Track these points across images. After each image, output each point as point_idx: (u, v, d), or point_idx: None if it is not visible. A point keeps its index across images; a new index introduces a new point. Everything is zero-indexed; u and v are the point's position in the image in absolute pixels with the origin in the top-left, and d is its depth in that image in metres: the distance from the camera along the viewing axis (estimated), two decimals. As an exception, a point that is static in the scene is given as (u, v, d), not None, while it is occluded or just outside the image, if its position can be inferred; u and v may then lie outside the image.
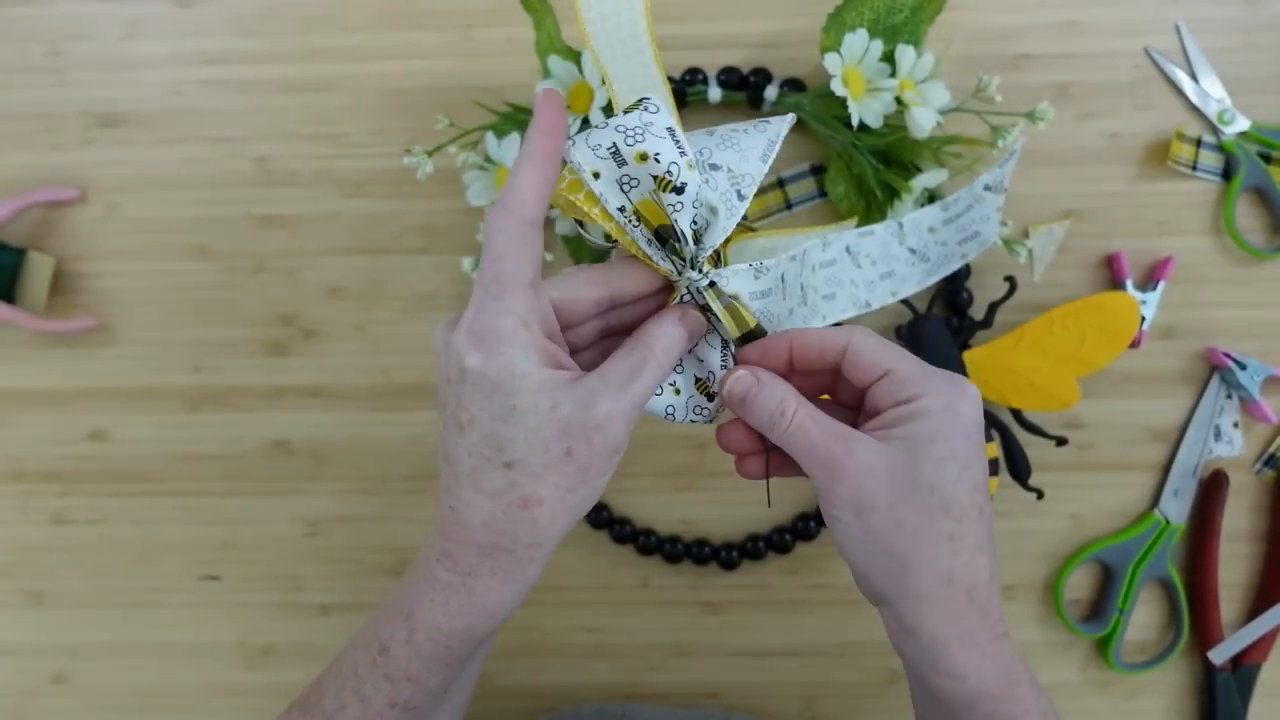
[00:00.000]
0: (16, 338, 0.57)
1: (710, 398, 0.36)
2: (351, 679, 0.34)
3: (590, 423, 0.31)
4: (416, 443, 0.56)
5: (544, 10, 0.50)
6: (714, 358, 0.36)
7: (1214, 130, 0.53)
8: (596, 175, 0.33)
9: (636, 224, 0.34)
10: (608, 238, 0.35)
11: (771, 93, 0.52)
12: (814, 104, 0.51)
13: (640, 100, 0.34)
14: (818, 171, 0.54)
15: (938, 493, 0.31)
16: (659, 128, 0.33)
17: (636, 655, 0.56)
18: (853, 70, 0.49)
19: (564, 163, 0.33)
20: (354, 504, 0.56)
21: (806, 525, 0.54)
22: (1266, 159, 0.52)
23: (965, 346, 0.53)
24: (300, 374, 0.56)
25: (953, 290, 0.53)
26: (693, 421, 0.36)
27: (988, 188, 0.47)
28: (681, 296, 0.35)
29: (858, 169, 0.51)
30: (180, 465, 0.57)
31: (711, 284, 0.35)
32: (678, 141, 0.33)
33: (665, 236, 0.34)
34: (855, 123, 0.48)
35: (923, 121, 0.48)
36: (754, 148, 0.36)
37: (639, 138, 0.32)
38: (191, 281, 0.56)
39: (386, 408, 0.56)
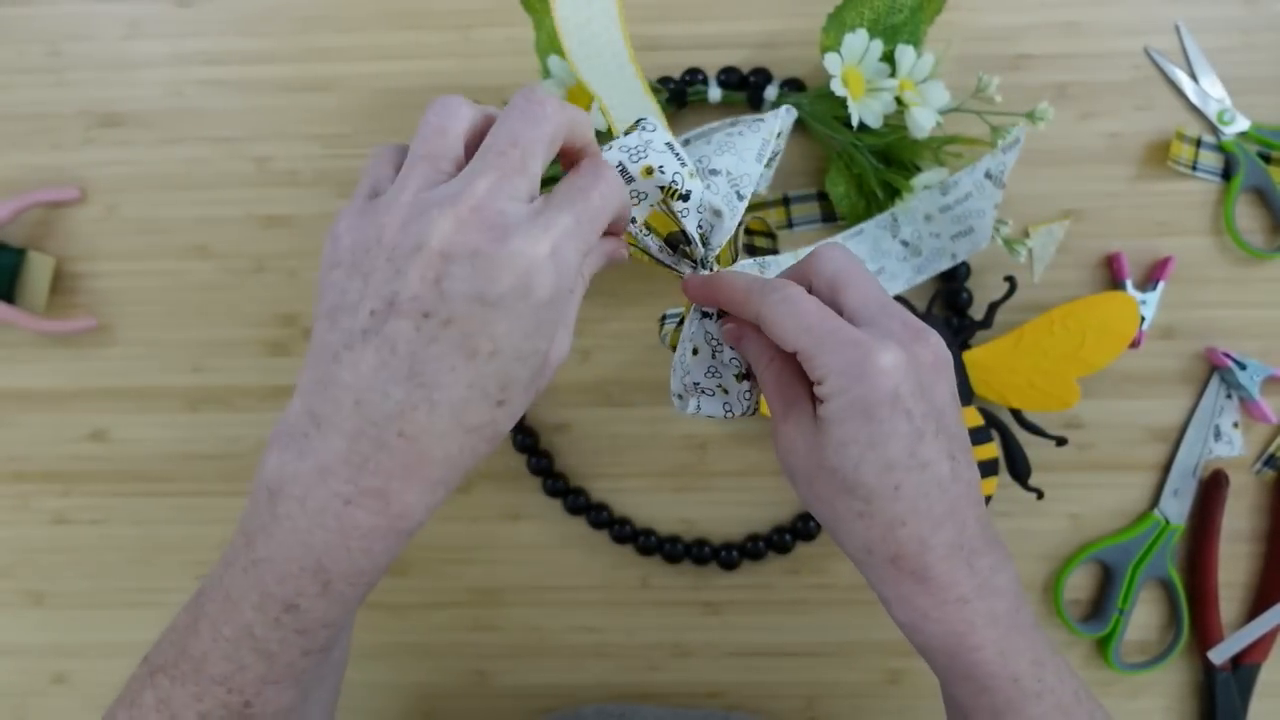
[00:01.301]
0: (16, 338, 0.57)
1: (750, 377, 0.39)
2: (247, 639, 0.31)
3: (556, 359, 0.32)
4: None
5: (544, 10, 0.50)
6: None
7: (1214, 130, 0.53)
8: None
9: (648, 233, 0.36)
10: None
11: (771, 93, 0.52)
12: (814, 104, 0.51)
13: (637, 121, 0.35)
14: (824, 198, 0.54)
15: (839, 475, 0.32)
16: (658, 144, 0.35)
17: (636, 655, 0.56)
18: (853, 70, 0.49)
19: None
20: (354, 504, 0.56)
21: (806, 525, 0.54)
22: (1266, 159, 0.52)
23: (965, 346, 0.53)
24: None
25: (953, 290, 0.53)
26: (745, 413, 0.39)
27: (988, 175, 0.47)
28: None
29: (858, 169, 0.51)
30: (180, 465, 0.57)
31: None
32: (677, 155, 0.35)
33: (675, 243, 0.36)
34: (855, 123, 0.48)
35: (923, 121, 0.48)
36: (749, 149, 0.39)
37: (642, 154, 0.34)
38: (191, 281, 0.56)
39: (386, 408, 0.56)
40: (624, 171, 0.34)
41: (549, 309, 0.29)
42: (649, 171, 0.34)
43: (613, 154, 0.34)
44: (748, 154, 0.38)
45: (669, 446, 0.55)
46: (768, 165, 0.45)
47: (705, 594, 0.56)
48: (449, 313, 0.28)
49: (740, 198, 0.37)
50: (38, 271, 0.55)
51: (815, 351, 0.32)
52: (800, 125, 0.52)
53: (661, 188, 0.35)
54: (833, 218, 0.54)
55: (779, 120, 0.40)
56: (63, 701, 0.58)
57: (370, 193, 0.31)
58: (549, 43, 0.50)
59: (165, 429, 0.57)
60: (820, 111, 0.51)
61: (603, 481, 0.56)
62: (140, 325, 0.56)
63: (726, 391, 0.38)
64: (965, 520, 0.33)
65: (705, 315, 0.38)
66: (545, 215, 0.29)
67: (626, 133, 0.35)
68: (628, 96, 0.41)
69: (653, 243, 0.37)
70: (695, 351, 0.38)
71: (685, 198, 0.35)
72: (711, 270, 0.37)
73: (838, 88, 0.48)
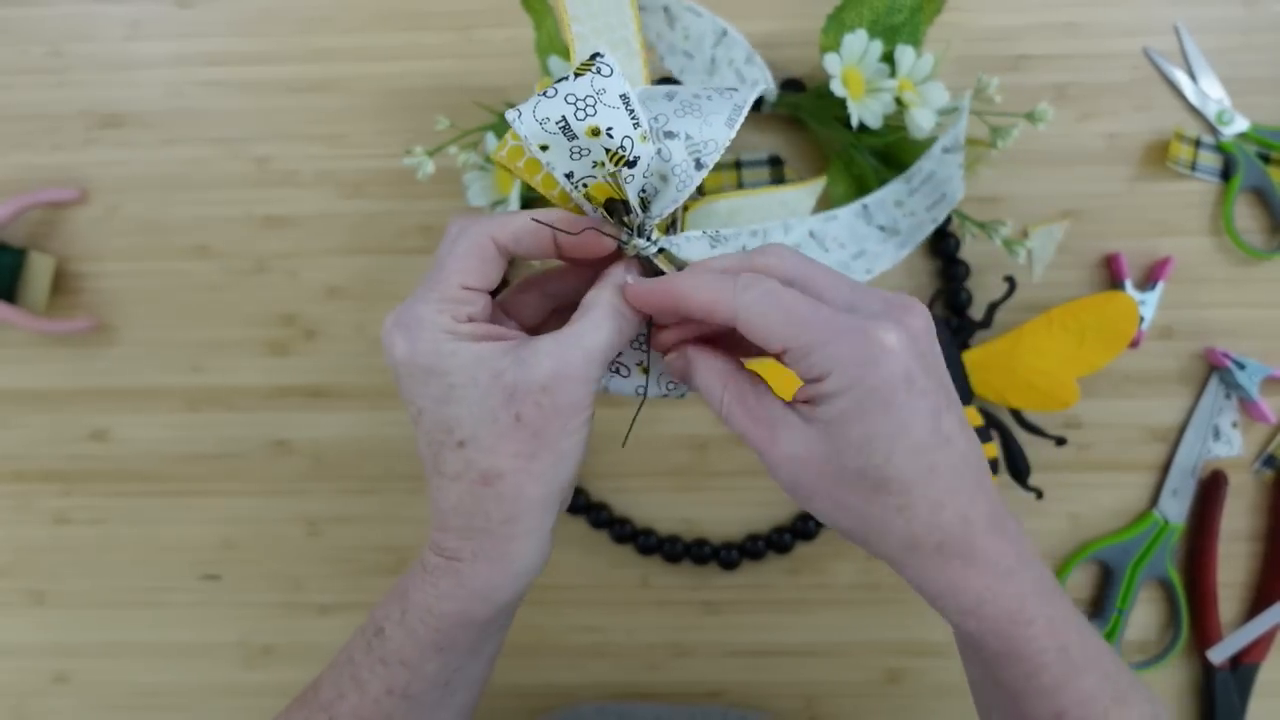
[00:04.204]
0: (17, 338, 0.57)
1: None
2: (348, 665, 0.34)
3: (536, 384, 0.30)
4: (416, 442, 0.56)
5: (544, 10, 0.50)
6: None
7: (1213, 131, 0.53)
8: (544, 148, 0.31)
9: (583, 191, 0.32)
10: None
11: (771, 93, 0.52)
12: (814, 104, 0.51)
13: (593, 58, 0.31)
14: (776, 163, 0.53)
15: (869, 475, 0.30)
16: (611, 95, 0.30)
17: (636, 655, 0.56)
18: (852, 70, 0.49)
19: (506, 127, 0.32)
20: (354, 504, 0.56)
21: (806, 525, 0.54)
22: (1265, 159, 0.53)
23: (965, 346, 0.53)
24: (300, 374, 0.56)
25: (952, 290, 0.53)
26: (665, 395, 0.35)
27: (946, 150, 0.47)
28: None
29: (858, 169, 0.51)
30: (180, 465, 0.57)
31: (661, 250, 0.33)
32: (631, 111, 0.31)
33: (613, 208, 0.32)
34: (855, 123, 0.48)
35: (922, 122, 0.48)
36: (718, 112, 0.34)
37: (590, 110, 0.30)
38: (191, 281, 0.56)
39: (386, 408, 0.56)
40: (566, 127, 0.30)
41: (416, 365, 0.32)
42: (594, 132, 0.30)
43: (556, 103, 0.30)
44: (715, 118, 0.33)
45: (669, 446, 0.56)
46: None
47: (705, 594, 0.56)
48: (401, 393, 0.33)
49: (700, 166, 0.33)
50: (38, 271, 0.55)
51: (813, 345, 0.29)
52: (800, 125, 0.52)
53: (607, 150, 0.31)
54: (782, 181, 0.53)
55: (754, 91, 0.36)
56: (63, 701, 0.58)
57: None
58: (549, 43, 0.50)
59: (165, 429, 0.57)
60: (820, 111, 0.51)
61: (602, 481, 0.56)
62: (140, 325, 0.57)
63: (646, 371, 0.34)
64: (988, 487, 0.31)
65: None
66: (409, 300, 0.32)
67: (577, 74, 0.31)
68: (608, 12, 0.38)
69: (588, 206, 0.33)
70: None
71: (632, 164, 0.31)
72: (649, 239, 0.33)
73: (838, 88, 0.48)
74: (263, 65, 0.56)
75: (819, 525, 0.54)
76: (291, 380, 0.56)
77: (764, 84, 0.47)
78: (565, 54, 0.50)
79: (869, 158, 0.50)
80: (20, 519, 0.57)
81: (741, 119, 0.34)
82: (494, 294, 0.34)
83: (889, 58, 0.50)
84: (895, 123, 0.50)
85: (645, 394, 0.35)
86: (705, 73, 0.50)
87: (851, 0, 0.49)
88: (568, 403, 0.31)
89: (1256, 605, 0.54)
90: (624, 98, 0.31)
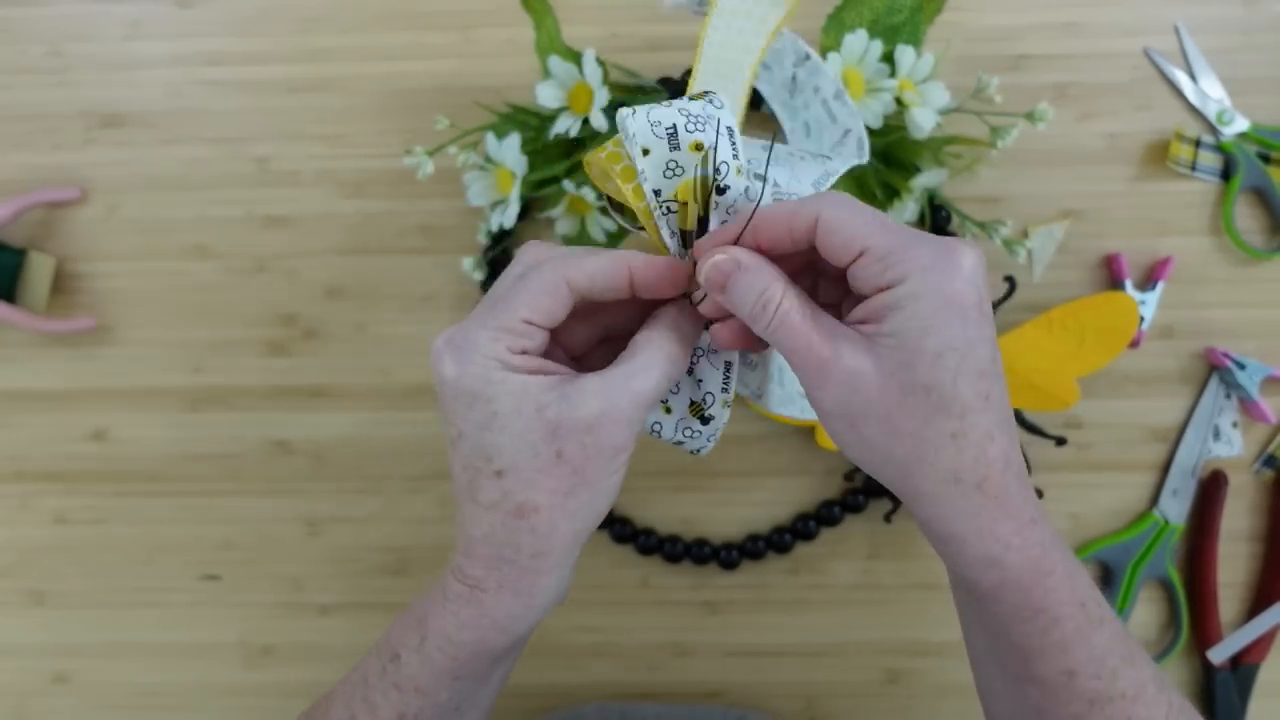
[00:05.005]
0: (17, 338, 0.57)
1: (704, 421, 0.35)
2: (361, 686, 0.34)
3: (580, 423, 0.30)
4: (416, 443, 0.56)
5: (544, 10, 0.50)
6: (714, 379, 0.35)
7: (1213, 131, 0.53)
8: (646, 152, 0.31)
9: (666, 215, 0.32)
10: (627, 216, 0.33)
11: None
12: (814, 104, 0.51)
13: (706, 93, 0.32)
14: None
15: (935, 392, 0.29)
16: (720, 124, 0.32)
17: (636, 655, 0.56)
18: (853, 70, 0.49)
19: (614, 131, 0.32)
20: (354, 504, 0.56)
21: (806, 525, 0.54)
22: (1265, 159, 0.53)
23: (965, 346, 0.53)
24: (300, 374, 0.56)
25: (952, 290, 0.53)
26: (678, 444, 0.35)
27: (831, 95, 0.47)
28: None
29: (857, 169, 0.51)
30: (180, 465, 0.57)
31: None
32: (734, 143, 0.32)
33: (688, 239, 0.32)
34: (855, 123, 0.49)
35: (922, 122, 0.48)
36: (808, 173, 0.35)
37: (699, 127, 0.31)
38: (191, 281, 0.56)
39: (386, 408, 0.56)
40: (674, 135, 0.31)
41: (462, 387, 0.31)
42: (697, 147, 0.31)
43: (671, 112, 0.31)
44: (804, 176, 0.34)
45: (669, 446, 0.55)
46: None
47: (705, 594, 0.56)
48: (443, 413, 0.32)
49: None
50: (38, 271, 0.55)
51: (894, 247, 0.28)
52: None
53: (702, 171, 0.31)
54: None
55: (847, 164, 0.36)
56: (63, 701, 0.58)
57: None
58: (549, 43, 0.50)
59: (165, 429, 0.57)
60: (820, 112, 0.51)
61: (603, 481, 0.56)
62: (140, 325, 0.57)
63: (669, 412, 0.35)
64: (1016, 435, 0.31)
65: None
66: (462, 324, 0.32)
67: (692, 98, 0.32)
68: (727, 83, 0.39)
69: (666, 226, 0.33)
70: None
71: (722, 192, 0.31)
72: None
73: (838, 88, 0.48)
74: (262, 65, 0.56)
75: (819, 525, 0.54)
76: (291, 380, 0.56)
77: (856, 130, 0.46)
78: (565, 54, 0.50)
79: (869, 158, 0.50)
80: (20, 519, 0.57)
81: (828, 185, 0.35)
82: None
83: (889, 58, 0.50)
84: (895, 123, 0.50)
85: (659, 434, 0.35)
86: (786, 90, 0.50)
87: (851, 0, 0.49)
88: (610, 444, 0.31)
89: (1256, 605, 0.54)
90: (730, 130, 0.32)
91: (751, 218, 0.31)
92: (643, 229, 0.33)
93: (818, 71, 0.48)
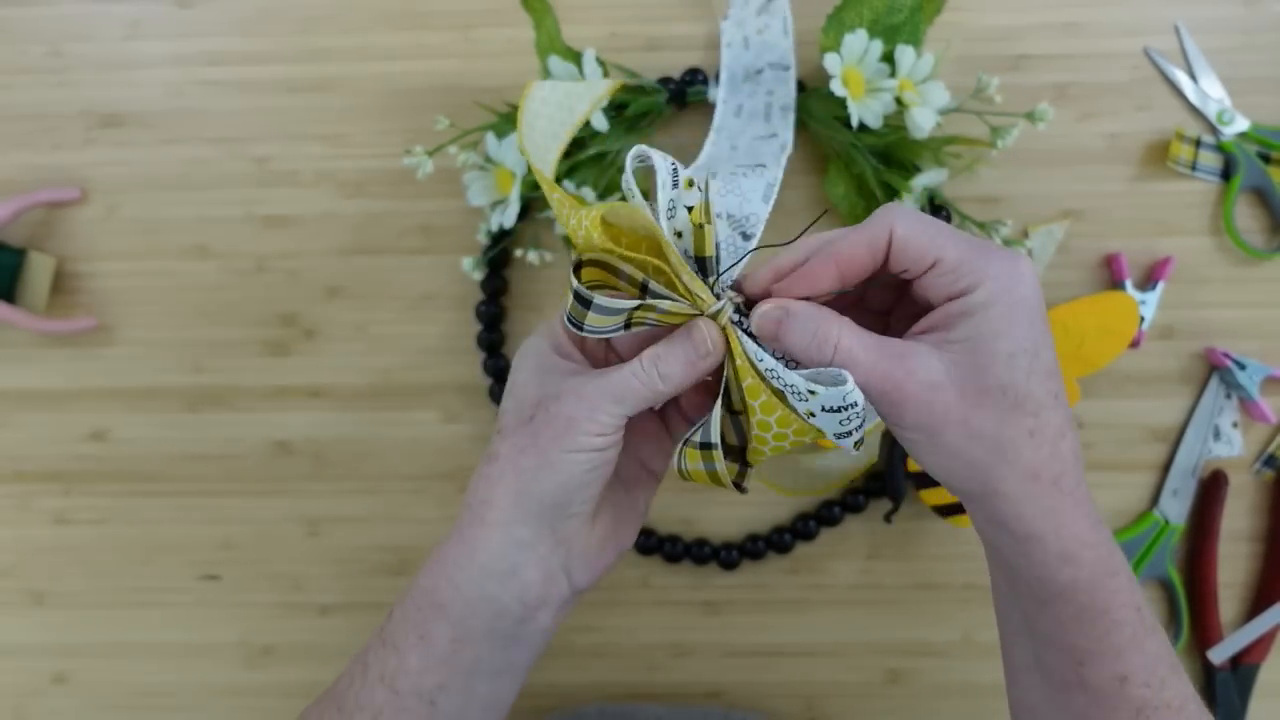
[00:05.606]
0: (16, 338, 0.57)
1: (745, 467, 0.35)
2: (363, 652, 0.36)
3: (550, 394, 0.33)
4: (416, 443, 0.56)
5: (544, 10, 0.50)
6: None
7: (1213, 130, 0.53)
8: (647, 197, 0.32)
9: (681, 244, 0.33)
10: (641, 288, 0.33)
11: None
12: (814, 104, 0.51)
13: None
14: None
15: (1010, 392, 0.30)
16: (683, 171, 0.33)
17: (636, 655, 0.56)
18: (852, 70, 0.49)
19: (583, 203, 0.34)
20: (354, 504, 0.56)
21: (806, 525, 0.54)
22: (1266, 159, 0.53)
23: (965, 346, 0.53)
24: (300, 374, 0.56)
25: (952, 290, 0.53)
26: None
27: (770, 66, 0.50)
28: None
29: (858, 169, 0.51)
30: (180, 465, 0.57)
31: (738, 310, 0.33)
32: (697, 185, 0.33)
33: (707, 265, 0.33)
34: (855, 123, 0.48)
35: (922, 122, 0.48)
36: (754, 190, 0.37)
37: (680, 170, 0.33)
38: (191, 281, 0.56)
39: (386, 408, 0.56)
40: (675, 174, 0.32)
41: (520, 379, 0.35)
42: (690, 184, 0.32)
43: (664, 160, 0.32)
44: (753, 195, 0.36)
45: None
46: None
47: (705, 594, 0.56)
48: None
49: (747, 237, 0.35)
50: (38, 271, 0.55)
51: (965, 257, 0.30)
52: (800, 124, 0.52)
53: (704, 195, 0.32)
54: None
55: (781, 169, 0.38)
56: (63, 701, 0.58)
57: None
58: (549, 43, 0.50)
59: (165, 429, 0.57)
60: (820, 111, 0.51)
61: (603, 481, 0.56)
62: (140, 325, 0.57)
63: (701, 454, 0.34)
64: None
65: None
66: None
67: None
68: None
69: (690, 263, 0.32)
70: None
71: (710, 220, 0.33)
72: (725, 302, 0.33)
73: (838, 88, 0.48)
74: (262, 65, 0.56)
75: (819, 525, 0.54)
76: (291, 380, 0.56)
77: (784, 138, 0.49)
78: (565, 54, 0.50)
79: (869, 158, 0.50)
80: (20, 519, 0.57)
81: (775, 195, 0.37)
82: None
83: (889, 58, 0.50)
84: (895, 123, 0.50)
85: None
86: (744, 74, 0.52)
87: (851, 0, 0.49)
88: (564, 416, 0.32)
89: (1257, 605, 0.54)
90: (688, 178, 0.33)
91: (796, 242, 0.33)
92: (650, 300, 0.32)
93: (785, 83, 0.50)
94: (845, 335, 0.30)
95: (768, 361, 0.32)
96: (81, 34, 0.56)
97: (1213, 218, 0.54)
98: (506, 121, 0.52)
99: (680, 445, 0.34)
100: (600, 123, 0.49)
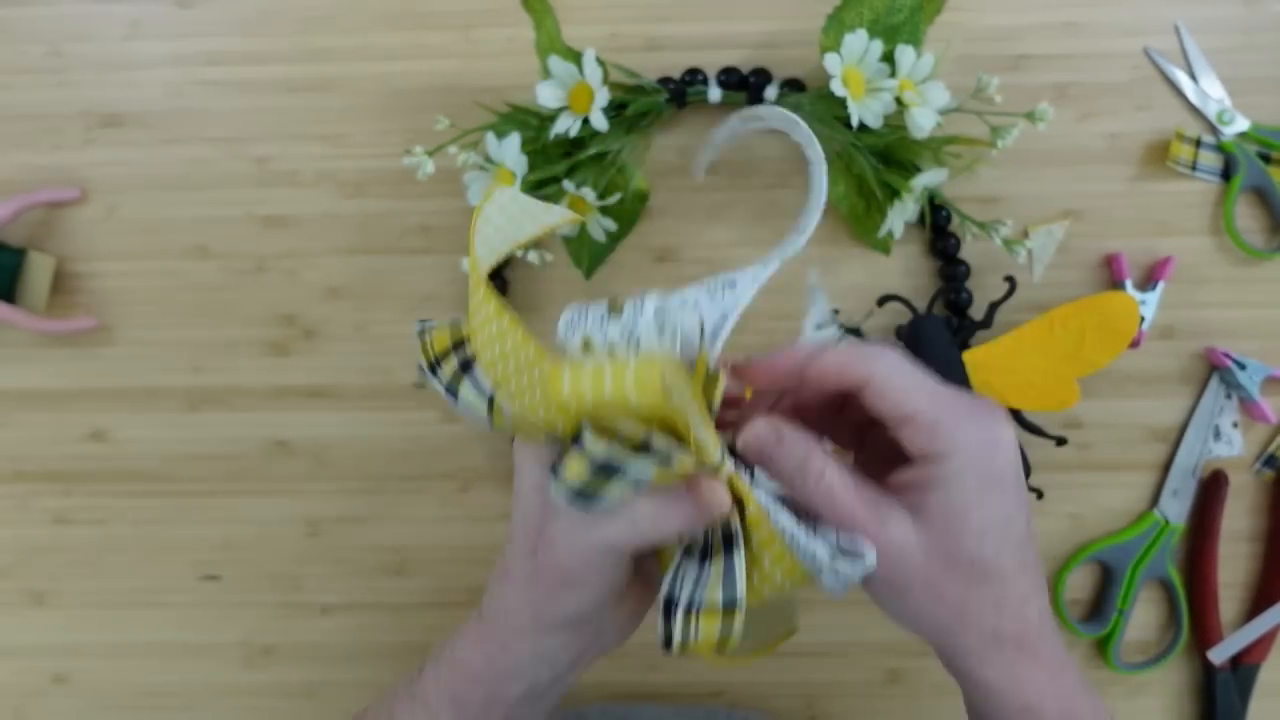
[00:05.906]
0: (16, 338, 0.57)
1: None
2: (392, 696, 0.37)
3: (549, 533, 0.32)
4: (416, 443, 0.56)
5: (544, 10, 0.50)
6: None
7: (1213, 130, 0.53)
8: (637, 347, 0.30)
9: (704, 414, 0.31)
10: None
11: (771, 93, 0.52)
12: (814, 104, 0.51)
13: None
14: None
15: (979, 566, 0.30)
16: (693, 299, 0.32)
17: (636, 655, 0.56)
18: (852, 70, 0.49)
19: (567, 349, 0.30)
20: (354, 504, 0.56)
21: (806, 525, 0.54)
22: (1266, 159, 0.53)
23: (965, 346, 0.53)
24: (300, 374, 0.56)
25: (953, 290, 0.53)
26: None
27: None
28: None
29: (858, 169, 0.51)
30: (180, 465, 0.57)
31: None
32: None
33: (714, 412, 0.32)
34: (855, 123, 0.48)
35: (923, 121, 0.48)
36: (712, 313, 0.33)
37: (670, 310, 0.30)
38: (191, 281, 0.56)
39: (386, 408, 0.56)
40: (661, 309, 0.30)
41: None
42: (616, 308, 0.30)
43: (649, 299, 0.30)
44: (710, 317, 0.33)
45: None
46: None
47: (705, 594, 0.56)
48: None
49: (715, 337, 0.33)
50: (38, 271, 0.55)
51: (941, 419, 0.29)
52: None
53: (703, 344, 0.31)
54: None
55: (753, 289, 0.34)
56: (63, 701, 0.58)
57: None
58: (549, 43, 0.50)
59: (165, 429, 0.57)
60: (820, 111, 0.51)
61: (603, 481, 0.56)
62: (140, 325, 0.56)
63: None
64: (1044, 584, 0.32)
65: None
66: None
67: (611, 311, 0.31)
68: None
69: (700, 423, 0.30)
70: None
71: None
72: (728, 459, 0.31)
73: (838, 88, 0.48)
74: (262, 65, 0.56)
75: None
76: (291, 380, 0.56)
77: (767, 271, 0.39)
78: (565, 54, 0.50)
79: (869, 158, 0.50)
80: (20, 519, 0.57)
81: (727, 331, 0.33)
82: None
83: (889, 57, 0.50)
84: (895, 123, 0.50)
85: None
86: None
87: (851, 0, 0.49)
88: (562, 569, 0.32)
89: (1257, 605, 0.54)
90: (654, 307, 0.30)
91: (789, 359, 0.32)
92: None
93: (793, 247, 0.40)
94: (829, 470, 0.30)
95: (784, 523, 0.30)
96: (81, 34, 0.56)
97: (1213, 218, 0.54)
98: (507, 121, 0.52)
99: (679, 611, 0.31)
100: (600, 123, 0.49)
